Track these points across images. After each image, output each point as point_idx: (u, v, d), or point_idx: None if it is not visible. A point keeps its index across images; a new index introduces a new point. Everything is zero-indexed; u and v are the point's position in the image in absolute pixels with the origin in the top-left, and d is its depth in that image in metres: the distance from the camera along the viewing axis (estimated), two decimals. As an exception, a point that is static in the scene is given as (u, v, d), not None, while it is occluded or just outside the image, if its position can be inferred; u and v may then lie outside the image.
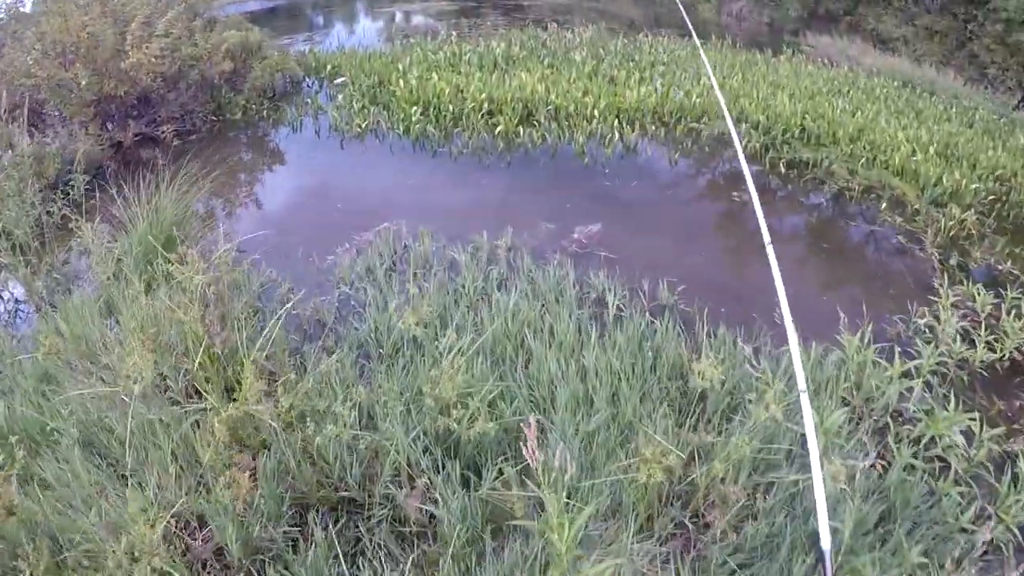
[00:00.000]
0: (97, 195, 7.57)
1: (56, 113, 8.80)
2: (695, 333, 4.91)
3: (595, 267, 5.85)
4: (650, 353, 4.55)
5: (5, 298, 6.41)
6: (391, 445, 3.66)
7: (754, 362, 4.59)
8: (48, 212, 7.53)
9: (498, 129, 8.76)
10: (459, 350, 4.19)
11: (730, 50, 14.24)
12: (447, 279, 5.60)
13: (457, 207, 7.14)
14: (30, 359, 4.93)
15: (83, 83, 8.33)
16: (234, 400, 3.97)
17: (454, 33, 13.13)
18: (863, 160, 8.30)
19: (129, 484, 3.63)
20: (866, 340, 4.79)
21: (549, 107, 9.30)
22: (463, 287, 5.41)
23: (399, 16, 18.92)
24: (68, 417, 4.12)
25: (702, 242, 6.60)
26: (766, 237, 3.61)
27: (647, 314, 5.12)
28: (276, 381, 4.58)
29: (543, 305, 5.11)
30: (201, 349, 4.26)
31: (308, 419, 3.74)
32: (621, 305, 5.26)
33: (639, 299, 5.40)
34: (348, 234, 6.50)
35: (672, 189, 7.63)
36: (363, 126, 9.09)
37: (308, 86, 11.20)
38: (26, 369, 4.87)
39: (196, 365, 4.25)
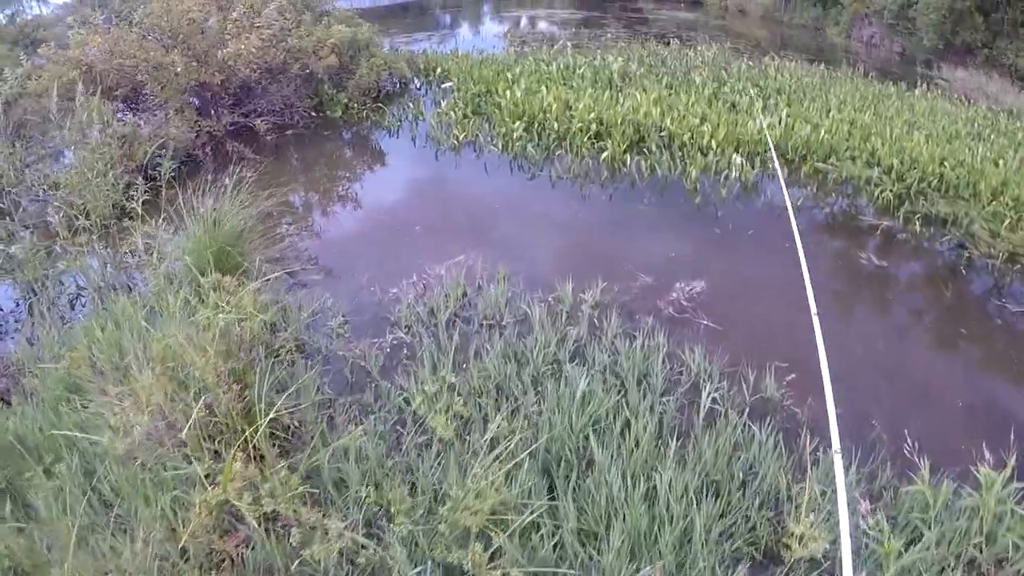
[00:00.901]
0: (181, 184, 7.05)
1: (155, 96, 8.33)
2: (800, 445, 3.89)
3: (692, 338, 4.87)
4: (740, 474, 3.58)
5: (66, 284, 5.92)
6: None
7: (866, 517, 3.52)
8: (128, 197, 7.04)
9: (604, 155, 7.77)
10: (500, 455, 3.31)
11: (861, 80, 12.74)
12: (516, 335, 4.75)
13: (546, 242, 6.25)
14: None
15: (179, 69, 7.83)
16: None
17: (569, 44, 12.15)
18: (1007, 220, 6.94)
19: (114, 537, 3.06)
20: (1008, 476, 3.65)
21: (662, 133, 8.28)
22: (532, 351, 4.53)
23: (524, 21, 18.09)
24: (75, 442, 3.63)
25: (823, 317, 5.49)
26: (812, 308, 2.62)
27: (746, 412, 4.13)
28: (293, 440, 3.89)
29: (621, 390, 4.18)
30: (200, 402, 3.53)
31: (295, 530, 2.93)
32: (717, 396, 4.27)
33: (740, 388, 4.41)
34: (419, 264, 5.74)
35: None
36: (460, 138, 8.30)
37: (416, 88, 10.49)
38: (53, 375, 4.32)
39: (194, 419, 3.52)
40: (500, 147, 8.13)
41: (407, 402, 4.12)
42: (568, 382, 4.08)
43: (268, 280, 4.68)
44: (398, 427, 4.01)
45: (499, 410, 3.91)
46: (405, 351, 4.74)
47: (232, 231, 5.50)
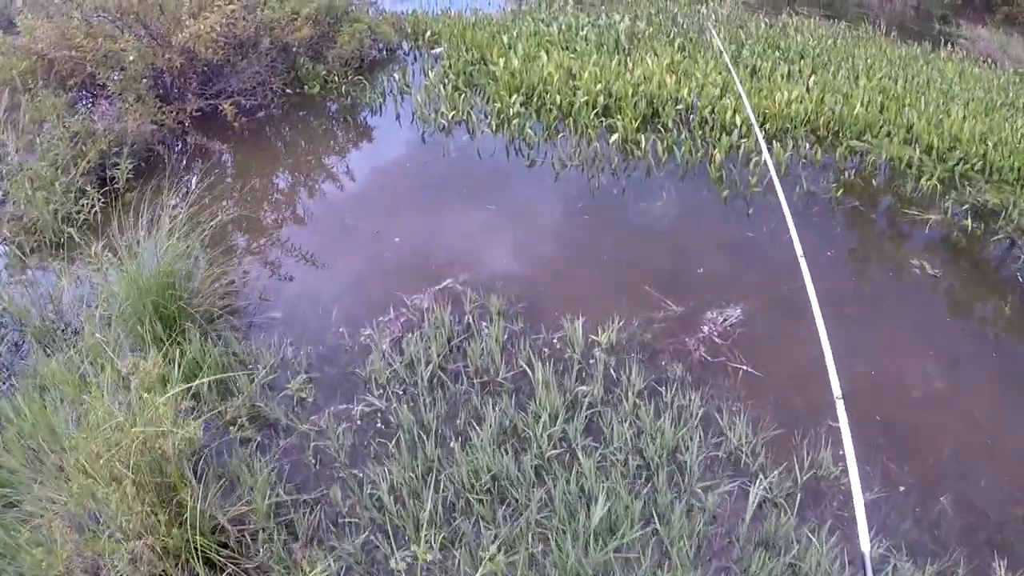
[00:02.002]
0: (143, 185, 6.06)
1: (109, 86, 7.16)
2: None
3: (729, 391, 3.85)
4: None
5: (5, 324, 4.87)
6: None
7: None
8: (74, 210, 5.96)
9: (614, 137, 6.58)
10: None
11: (885, 40, 11.38)
12: (514, 399, 3.72)
13: (549, 255, 5.20)
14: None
15: (131, 57, 6.65)
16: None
17: (570, 2, 10.76)
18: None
19: None
20: None
21: (679, 107, 7.08)
22: (534, 427, 3.49)
23: None
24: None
25: (873, 349, 4.41)
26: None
27: (798, 495, 3.11)
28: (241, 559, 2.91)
29: (649, 482, 3.15)
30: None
31: None
32: (767, 476, 3.23)
33: (790, 462, 3.37)
34: (398, 290, 4.74)
35: (834, 247, 5.37)
36: (451, 117, 7.09)
37: (404, 54, 9.19)
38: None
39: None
40: (495, 126, 6.95)
41: (380, 505, 3.12)
42: (583, 489, 3.04)
43: (191, 387, 3.63)
44: (372, 536, 3.02)
45: (495, 518, 2.89)
46: (379, 423, 3.81)
47: (172, 269, 4.41)
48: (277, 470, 3.50)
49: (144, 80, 7.00)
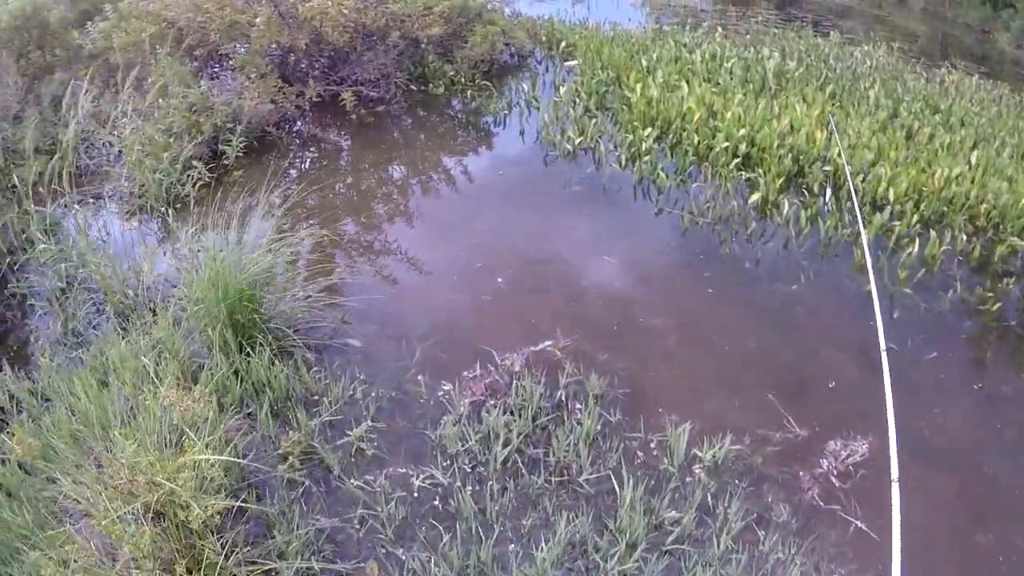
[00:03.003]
0: (250, 166, 5.64)
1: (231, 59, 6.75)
2: None
3: (835, 551, 3.12)
4: None
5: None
6: None
7: None
8: (178, 181, 5.59)
9: (754, 196, 5.69)
10: None
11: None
12: (592, 509, 3.13)
13: (663, 330, 4.45)
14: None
15: (257, 26, 6.19)
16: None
17: (719, 28, 9.77)
18: None
19: None
20: None
21: (826, 167, 6.17)
22: (606, 553, 2.91)
23: None
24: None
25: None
26: None
27: None
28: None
29: None
30: None
31: None
32: None
33: None
34: (489, 343, 4.14)
35: (995, 384, 4.39)
36: (578, 143, 6.35)
37: (536, 63, 8.47)
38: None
39: None
40: (624, 160, 6.17)
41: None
42: None
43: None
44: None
45: None
46: (437, 501, 3.26)
47: (254, 278, 3.89)
48: (315, 530, 3.06)
49: (267, 57, 6.53)
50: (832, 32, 10.81)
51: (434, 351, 4.14)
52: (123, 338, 3.92)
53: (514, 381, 3.78)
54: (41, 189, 5.11)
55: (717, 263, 5.02)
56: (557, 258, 5.05)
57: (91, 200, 5.67)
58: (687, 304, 4.69)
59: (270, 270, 4.10)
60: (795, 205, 5.63)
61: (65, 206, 5.16)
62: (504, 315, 4.47)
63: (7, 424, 3.65)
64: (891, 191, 5.88)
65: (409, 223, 5.50)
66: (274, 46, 6.63)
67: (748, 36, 9.85)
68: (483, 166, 6.38)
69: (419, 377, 3.91)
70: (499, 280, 4.71)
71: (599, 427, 3.61)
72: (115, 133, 5.94)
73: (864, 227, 5.21)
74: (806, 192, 5.88)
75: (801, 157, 6.30)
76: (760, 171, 6.02)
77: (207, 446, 2.90)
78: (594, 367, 3.96)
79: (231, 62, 6.69)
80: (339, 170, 6.22)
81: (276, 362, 3.85)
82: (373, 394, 3.83)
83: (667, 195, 5.79)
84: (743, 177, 5.96)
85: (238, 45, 6.79)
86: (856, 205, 5.07)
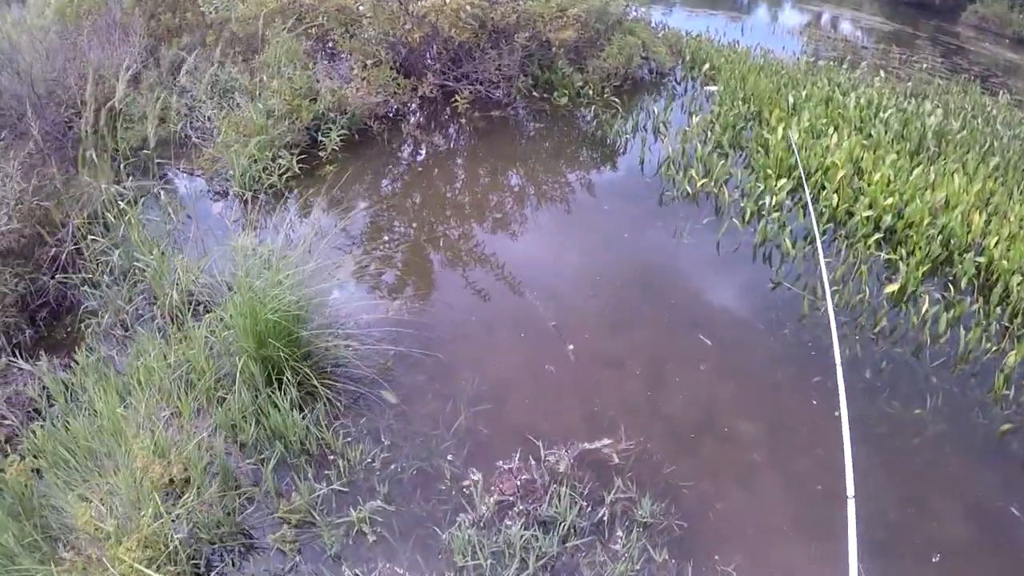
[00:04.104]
0: (346, 161, 5.16)
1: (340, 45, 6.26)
2: None
3: None
4: None
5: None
6: None
7: None
8: (267, 169, 5.15)
9: (891, 288, 4.70)
10: None
11: None
12: None
13: (752, 454, 3.62)
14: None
15: (367, 16, 5.66)
16: None
17: (881, 72, 8.53)
18: None
19: None
20: None
21: (979, 258, 5.12)
22: None
23: (826, 17, 13.94)
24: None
25: None
26: None
27: None
28: None
29: None
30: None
31: None
32: None
33: None
34: (538, 428, 3.50)
35: None
36: (700, 185, 5.52)
37: (674, 82, 7.60)
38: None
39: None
40: (748, 215, 5.30)
41: None
42: None
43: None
44: None
45: None
46: None
47: (292, 304, 3.37)
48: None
49: (380, 46, 5.99)
50: (1002, 92, 9.36)
51: (475, 424, 3.55)
52: (154, 348, 3.49)
53: (553, 485, 3.13)
54: (144, 153, 4.75)
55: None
56: (644, 327, 4.31)
57: (185, 175, 5.33)
58: (785, 413, 3.86)
59: (313, 300, 3.57)
60: (937, 302, 4.66)
61: (155, 177, 4.80)
62: (566, 393, 3.80)
63: (39, 415, 3.30)
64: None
65: (487, 259, 4.87)
66: (389, 36, 6.07)
67: (910, 84, 8.59)
68: (590, 197, 5.67)
69: (450, 456, 3.33)
70: (570, 347, 4.01)
71: (637, 567, 2.90)
72: (213, 107, 5.58)
73: (1014, 345, 4.24)
74: (951, 287, 4.87)
75: (952, 242, 5.27)
76: (902, 251, 5.05)
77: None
78: (652, 484, 3.26)
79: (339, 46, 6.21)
80: (432, 179, 5.68)
81: (301, 407, 3.34)
82: (393, 466, 3.28)
83: (790, 265, 4.91)
84: (882, 258, 5.00)
85: (349, 31, 6.26)
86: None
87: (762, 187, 5.53)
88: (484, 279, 4.64)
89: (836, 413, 3.21)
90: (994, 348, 4.39)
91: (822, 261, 4.26)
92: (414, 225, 5.18)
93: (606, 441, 3.41)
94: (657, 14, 9.01)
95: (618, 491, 3.17)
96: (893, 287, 4.65)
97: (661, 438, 3.53)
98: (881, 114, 7.08)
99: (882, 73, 8.40)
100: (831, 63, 8.71)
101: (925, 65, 10.20)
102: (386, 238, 4.96)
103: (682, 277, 4.77)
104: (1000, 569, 3.26)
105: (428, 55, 6.58)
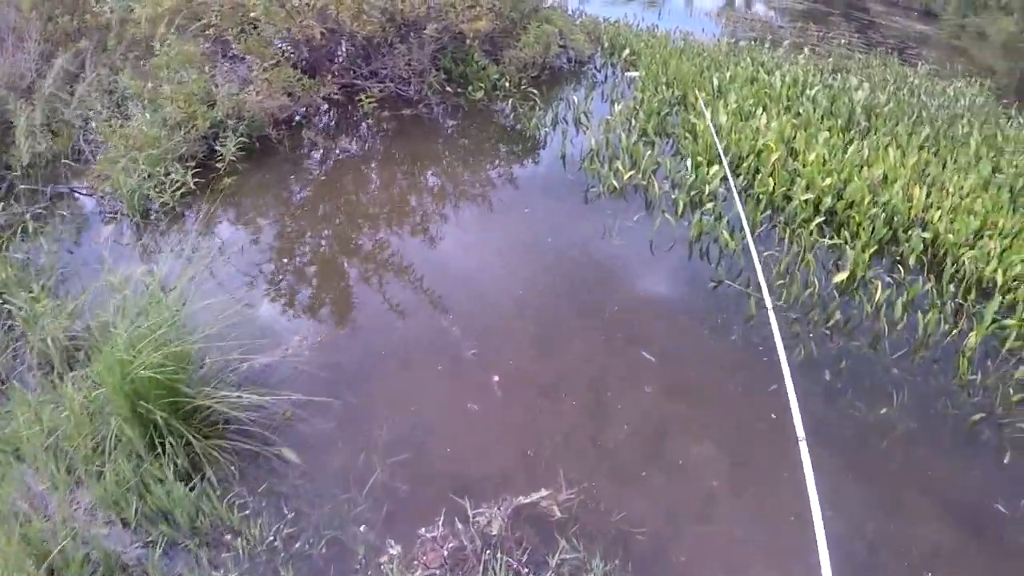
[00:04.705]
0: (247, 172, 4.53)
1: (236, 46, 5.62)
2: None
3: None
4: None
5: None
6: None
7: None
8: (157, 186, 4.49)
9: (839, 277, 4.24)
10: None
11: None
12: None
13: (708, 474, 3.11)
14: None
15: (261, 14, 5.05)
16: None
17: (805, 50, 8.18)
18: None
19: None
20: None
21: (925, 235, 4.76)
22: None
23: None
24: None
25: None
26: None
27: None
28: None
29: None
30: None
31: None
32: None
33: None
34: (465, 484, 2.94)
35: None
36: (627, 178, 5.03)
37: (594, 70, 7.09)
38: None
39: None
40: (681, 207, 4.82)
41: None
42: None
43: None
44: None
45: None
46: None
47: (171, 355, 2.73)
48: None
49: (278, 46, 5.34)
50: (920, 63, 9.18)
51: (392, 480, 2.94)
52: (23, 411, 2.81)
53: (487, 552, 2.55)
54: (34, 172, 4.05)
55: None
56: (578, 347, 3.73)
57: (79, 195, 4.62)
58: (743, 433, 3.34)
59: (198, 343, 2.93)
60: (889, 286, 4.27)
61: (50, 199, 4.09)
62: (494, 435, 3.21)
63: None
64: (1000, 271, 4.47)
65: (397, 279, 4.21)
66: (287, 34, 5.43)
67: (831, 60, 8.28)
68: (510, 199, 5.08)
69: (362, 527, 2.72)
70: (495, 378, 3.44)
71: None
72: (106, 118, 4.88)
73: (972, 324, 3.88)
74: (900, 268, 4.49)
75: (895, 219, 4.90)
76: (846, 234, 4.65)
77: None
78: (602, 536, 2.71)
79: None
80: (338, 190, 5.03)
81: (190, 476, 2.71)
82: (299, 543, 2.64)
83: (730, 259, 4.44)
84: (826, 244, 4.58)
85: (246, 30, 5.59)
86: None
87: (693, 176, 5.06)
88: (395, 303, 4.00)
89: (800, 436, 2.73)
90: (953, 331, 4.01)
91: (755, 253, 3.80)
92: (317, 244, 4.54)
93: (544, 492, 2.85)
94: (574, 1, 8.53)
95: (563, 552, 2.61)
96: (842, 275, 4.20)
97: (607, 479, 2.98)
98: (808, 91, 6.72)
99: (806, 51, 8.08)
100: (752, 43, 8.36)
101: (843, 41, 9.97)
102: (285, 261, 4.31)
103: (615, 284, 4.21)
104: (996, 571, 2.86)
105: (336, 52, 5.96)
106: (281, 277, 3.97)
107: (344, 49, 5.98)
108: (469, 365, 3.55)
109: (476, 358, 3.57)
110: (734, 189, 4.59)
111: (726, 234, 4.45)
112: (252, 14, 5.37)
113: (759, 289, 4.10)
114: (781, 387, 3.34)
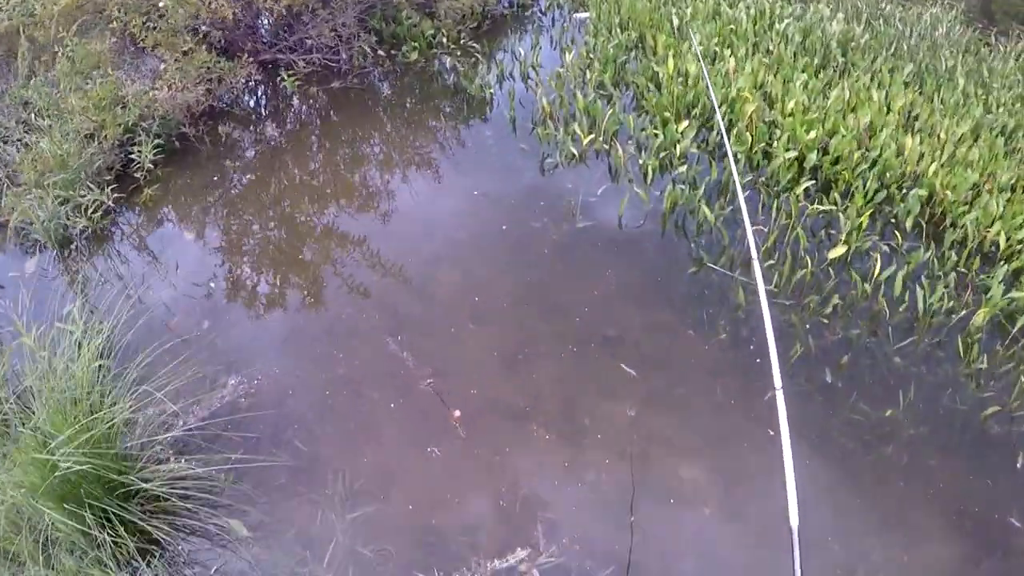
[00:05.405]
0: (169, 177, 3.86)
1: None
2: None
3: None
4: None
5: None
6: None
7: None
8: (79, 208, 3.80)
9: (834, 253, 3.64)
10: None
11: None
12: None
13: (701, 518, 2.63)
14: None
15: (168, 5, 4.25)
16: None
17: None
18: None
19: None
20: None
21: (920, 192, 4.22)
22: None
23: None
24: None
25: None
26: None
27: None
28: None
29: None
30: None
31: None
32: None
33: None
34: (432, 546, 2.46)
35: None
36: (586, 142, 4.38)
37: (539, 13, 6.29)
38: None
39: None
40: (650, 171, 4.19)
41: None
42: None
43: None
44: None
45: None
46: None
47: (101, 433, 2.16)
48: None
49: (190, 32, 4.56)
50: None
51: (355, 545, 2.44)
52: None
53: None
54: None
55: (782, 368, 3.12)
56: (546, 365, 3.13)
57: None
58: (738, 454, 2.83)
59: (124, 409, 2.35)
60: (887, 257, 3.76)
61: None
62: (459, 483, 2.67)
63: None
64: (1003, 232, 3.99)
65: (338, 294, 3.56)
66: (197, 19, 4.61)
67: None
68: (455, 180, 4.37)
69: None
70: (456, 413, 2.86)
71: None
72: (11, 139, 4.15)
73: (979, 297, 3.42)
74: (896, 233, 3.97)
75: (888, 176, 4.37)
76: (835, 196, 4.10)
77: None
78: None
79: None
80: (265, 189, 4.31)
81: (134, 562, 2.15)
82: None
83: (710, 235, 3.85)
84: (817, 210, 4.01)
85: (152, 21, 4.72)
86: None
87: (661, 135, 4.43)
88: (338, 327, 3.37)
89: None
90: (959, 308, 3.53)
91: (750, 233, 3.22)
92: (246, 259, 3.84)
93: (520, 554, 2.34)
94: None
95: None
96: (838, 251, 3.66)
97: (592, 529, 2.47)
98: (777, 25, 6.07)
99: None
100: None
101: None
102: (213, 286, 3.65)
103: (584, 278, 3.59)
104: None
105: (256, 27, 5.16)
106: (210, 304, 3.33)
107: (265, 22, 5.19)
108: (426, 400, 2.96)
109: (433, 389, 2.98)
110: (730, 150, 3.93)
111: (704, 206, 3.84)
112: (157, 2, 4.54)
113: (745, 271, 3.57)
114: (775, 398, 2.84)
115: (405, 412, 2.92)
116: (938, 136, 4.81)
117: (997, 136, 4.84)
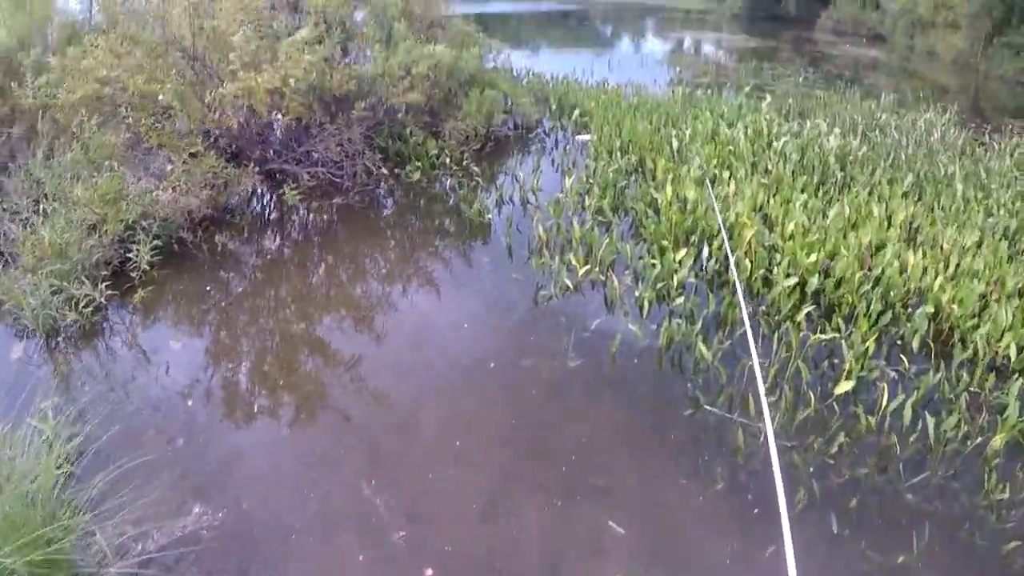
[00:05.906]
0: (164, 281, 3.89)
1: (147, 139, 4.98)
2: None
3: None
4: None
5: None
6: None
7: None
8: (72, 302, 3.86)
9: (842, 387, 3.48)
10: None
11: None
12: None
13: None
14: None
15: (169, 101, 4.46)
16: None
17: (768, 97, 7.61)
18: None
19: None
20: None
21: (927, 309, 4.09)
22: None
23: (687, 42, 13.28)
24: None
25: None
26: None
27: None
28: None
29: None
30: None
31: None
32: None
33: None
34: None
35: None
36: (582, 273, 4.38)
37: (543, 134, 6.47)
38: None
39: None
40: (647, 305, 4.15)
41: None
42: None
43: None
44: None
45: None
46: None
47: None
48: None
49: (200, 135, 4.76)
50: (882, 94, 8.67)
51: None
52: None
53: None
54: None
55: (791, 519, 2.95)
56: (528, 521, 2.96)
57: None
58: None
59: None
60: (893, 384, 3.63)
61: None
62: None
63: None
64: (1012, 347, 3.85)
65: (316, 425, 3.48)
66: (203, 125, 4.81)
67: (791, 101, 7.74)
68: (445, 313, 4.34)
69: None
70: (428, 572, 2.71)
71: None
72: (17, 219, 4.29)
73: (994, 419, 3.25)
74: (903, 356, 3.86)
75: (892, 295, 4.28)
76: (838, 321, 4.01)
77: None
78: None
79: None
80: (257, 305, 4.33)
81: None
82: None
83: (709, 375, 3.75)
84: (819, 340, 3.91)
85: (159, 122, 4.96)
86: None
87: (659, 265, 4.41)
88: (311, 461, 3.27)
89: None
90: (975, 433, 3.37)
91: (759, 375, 3.12)
92: (227, 375, 3.81)
93: None
94: (522, 58, 7.98)
95: None
96: (844, 386, 3.53)
97: None
98: (775, 143, 6.16)
99: (768, 96, 7.52)
100: (708, 92, 7.80)
101: (800, 79, 9.48)
102: (191, 404, 3.61)
103: (573, 421, 3.46)
104: None
105: (268, 135, 5.36)
106: (187, 419, 3.28)
107: (276, 131, 5.41)
108: (397, 550, 2.84)
109: (405, 542, 2.86)
110: (739, 285, 3.88)
111: (701, 344, 3.76)
112: (161, 98, 4.74)
113: (744, 412, 3.46)
114: (779, 545, 2.68)
115: (373, 566, 2.79)
116: (941, 247, 4.76)
117: (1000, 240, 4.79)
